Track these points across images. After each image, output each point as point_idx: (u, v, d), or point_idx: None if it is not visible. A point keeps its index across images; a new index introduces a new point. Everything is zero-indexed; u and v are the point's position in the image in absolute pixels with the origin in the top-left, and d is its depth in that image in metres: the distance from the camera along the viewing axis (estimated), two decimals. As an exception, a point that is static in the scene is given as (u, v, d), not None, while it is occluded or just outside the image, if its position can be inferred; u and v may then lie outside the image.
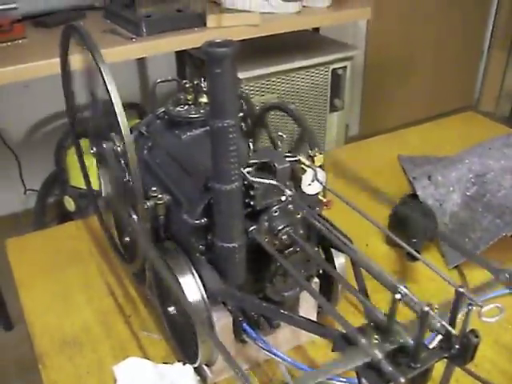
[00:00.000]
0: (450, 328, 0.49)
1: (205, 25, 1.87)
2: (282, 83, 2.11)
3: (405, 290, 0.52)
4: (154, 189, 0.72)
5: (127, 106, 2.09)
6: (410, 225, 0.94)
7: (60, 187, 2.22)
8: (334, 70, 2.21)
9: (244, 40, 1.89)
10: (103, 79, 0.68)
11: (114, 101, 0.67)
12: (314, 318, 0.81)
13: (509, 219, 0.95)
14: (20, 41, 1.76)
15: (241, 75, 2.00)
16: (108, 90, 0.67)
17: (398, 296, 0.50)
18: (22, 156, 2.39)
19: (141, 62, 2.53)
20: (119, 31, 1.85)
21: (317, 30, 2.48)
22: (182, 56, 2.30)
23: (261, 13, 1.93)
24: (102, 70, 0.68)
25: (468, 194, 1.01)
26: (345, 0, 2.17)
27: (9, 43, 1.73)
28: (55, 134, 2.21)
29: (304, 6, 2.07)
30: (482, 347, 0.83)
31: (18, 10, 1.76)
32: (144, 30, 1.79)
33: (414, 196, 1.06)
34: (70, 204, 2.11)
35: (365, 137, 1.50)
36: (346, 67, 2.24)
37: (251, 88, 2.03)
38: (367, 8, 2.15)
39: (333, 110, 2.29)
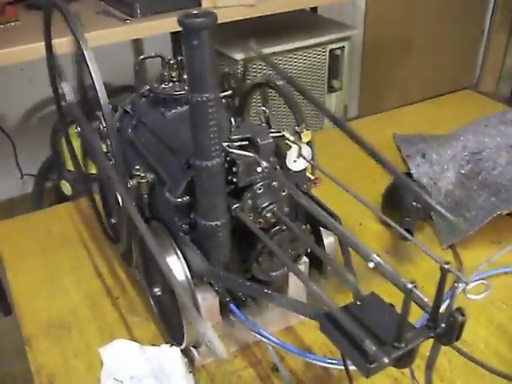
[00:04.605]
0: (434, 306, 0.47)
1: (200, 5, 1.84)
2: (279, 64, 2.08)
3: (377, 258, 0.50)
4: (137, 167, 0.71)
5: (122, 89, 2.04)
6: (403, 203, 0.93)
7: (57, 171, 2.20)
8: (331, 50, 2.18)
9: (240, 20, 1.87)
10: (84, 57, 0.66)
11: (95, 79, 0.66)
12: (304, 298, 0.79)
13: (504, 197, 0.93)
14: (13, 23, 1.74)
15: (237, 56, 1.98)
16: (88, 67, 0.66)
17: (371, 264, 0.49)
18: (18, 141, 2.38)
19: (137, 42, 2.50)
20: (113, 12, 1.83)
21: (315, 10, 2.44)
22: (177, 37, 2.27)
23: (257, -7, 1.90)
24: (82, 47, 0.67)
25: (462, 171, 0.99)
26: (342, -21, 2.15)
27: (1, 26, 1.71)
28: (51, 118, 2.19)
29: (300, -15, 2.03)
30: (476, 327, 0.82)
31: (10, -9, 1.74)
32: (138, 12, 1.77)
33: (409, 175, 1.04)
34: (66, 188, 2.10)
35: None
36: (343, 47, 2.20)
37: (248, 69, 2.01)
38: (365, -13, 2.12)
39: (331, 90, 2.26)
